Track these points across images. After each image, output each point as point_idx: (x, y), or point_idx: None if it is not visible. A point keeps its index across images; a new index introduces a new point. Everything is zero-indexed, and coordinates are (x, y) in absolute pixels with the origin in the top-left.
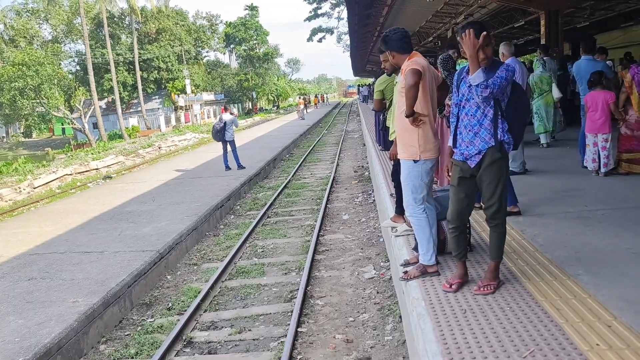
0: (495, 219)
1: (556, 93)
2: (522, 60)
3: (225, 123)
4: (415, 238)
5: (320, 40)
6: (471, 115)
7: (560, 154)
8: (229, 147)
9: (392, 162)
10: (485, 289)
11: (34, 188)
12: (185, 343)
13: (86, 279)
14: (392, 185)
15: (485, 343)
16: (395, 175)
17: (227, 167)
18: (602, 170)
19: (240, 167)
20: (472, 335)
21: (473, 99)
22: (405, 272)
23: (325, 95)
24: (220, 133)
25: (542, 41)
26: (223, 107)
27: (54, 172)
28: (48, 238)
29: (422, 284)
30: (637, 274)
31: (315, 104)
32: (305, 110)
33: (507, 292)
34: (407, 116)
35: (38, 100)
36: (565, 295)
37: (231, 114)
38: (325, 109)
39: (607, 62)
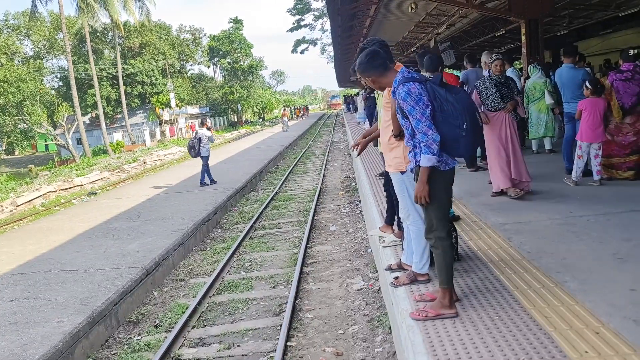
0: (429, 238)
1: (548, 99)
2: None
3: (199, 139)
4: (403, 248)
5: (303, 52)
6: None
7: (545, 161)
8: (203, 162)
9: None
10: (420, 314)
11: (17, 206)
12: None
13: (71, 298)
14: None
15: (476, 354)
16: (387, 185)
17: (211, 182)
18: (596, 177)
19: (203, 183)
20: (462, 346)
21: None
22: (396, 279)
23: (296, 107)
24: (194, 149)
25: (523, 49)
26: (200, 122)
27: (37, 189)
28: (31, 257)
29: (411, 295)
30: (624, 280)
31: (298, 115)
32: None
33: (496, 302)
34: (395, 137)
35: (20, 117)
36: (553, 302)
37: (208, 128)
38: (309, 120)
39: (587, 69)
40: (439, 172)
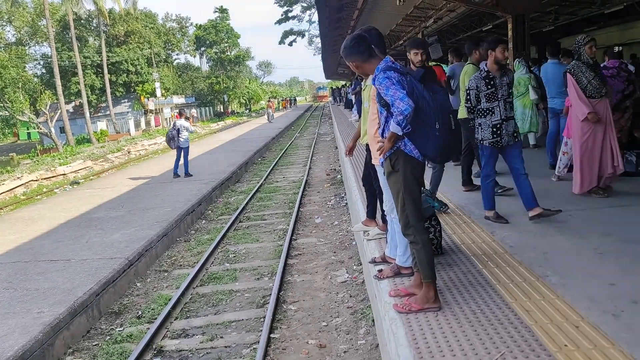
0: (407, 234)
1: (532, 95)
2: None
3: (178, 129)
4: (387, 241)
5: (291, 44)
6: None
7: (529, 156)
8: (183, 153)
9: (364, 166)
10: (404, 307)
11: None
12: (155, 352)
13: (52, 288)
14: (364, 190)
15: (457, 346)
16: (366, 179)
17: (186, 174)
18: None
19: (187, 174)
20: (444, 339)
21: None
22: (380, 271)
23: (282, 99)
24: (173, 140)
25: (510, 45)
26: (178, 113)
27: (18, 178)
28: (12, 246)
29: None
30: (603, 274)
31: (284, 106)
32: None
33: (478, 295)
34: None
35: (1, 104)
36: (535, 296)
37: (187, 119)
38: (296, 112)
39: None
40: (411, 160)
